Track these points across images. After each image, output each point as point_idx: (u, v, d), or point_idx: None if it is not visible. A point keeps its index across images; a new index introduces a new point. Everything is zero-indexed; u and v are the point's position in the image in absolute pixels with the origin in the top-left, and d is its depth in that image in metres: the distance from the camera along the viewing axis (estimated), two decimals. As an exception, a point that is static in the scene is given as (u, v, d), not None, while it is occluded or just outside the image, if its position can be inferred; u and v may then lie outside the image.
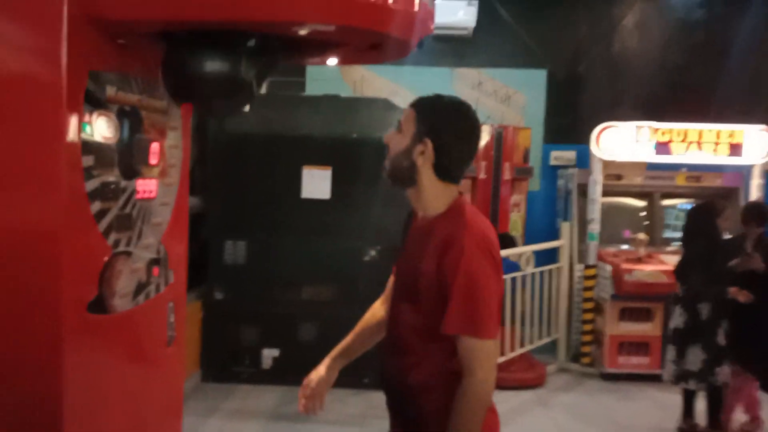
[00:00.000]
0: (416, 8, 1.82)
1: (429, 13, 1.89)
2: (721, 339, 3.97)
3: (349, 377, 4.84)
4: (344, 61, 2.29)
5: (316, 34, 1.93)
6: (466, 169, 1.75)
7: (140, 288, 2.06)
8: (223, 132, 4.97)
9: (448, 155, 1.65)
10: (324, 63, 2.38)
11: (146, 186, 2.12)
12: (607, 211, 5.70)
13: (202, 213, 4.79)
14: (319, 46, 2.13)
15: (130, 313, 1.99)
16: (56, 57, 1.64)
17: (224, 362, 4.86)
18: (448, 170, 1.67)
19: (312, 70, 6.50)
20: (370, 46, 2.01)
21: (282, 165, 4.80)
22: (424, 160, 1.64)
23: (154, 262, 2.17)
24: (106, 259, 1.86)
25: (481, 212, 6.14)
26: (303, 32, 1.90)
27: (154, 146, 2.17)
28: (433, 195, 1.68)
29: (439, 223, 1.64)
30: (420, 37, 1.94)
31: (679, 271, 4.23)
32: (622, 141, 5.41)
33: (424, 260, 1.61)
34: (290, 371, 4.79)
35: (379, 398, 5.21)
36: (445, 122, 1.65)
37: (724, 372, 3.96)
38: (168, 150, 2.32)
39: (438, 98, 1.70)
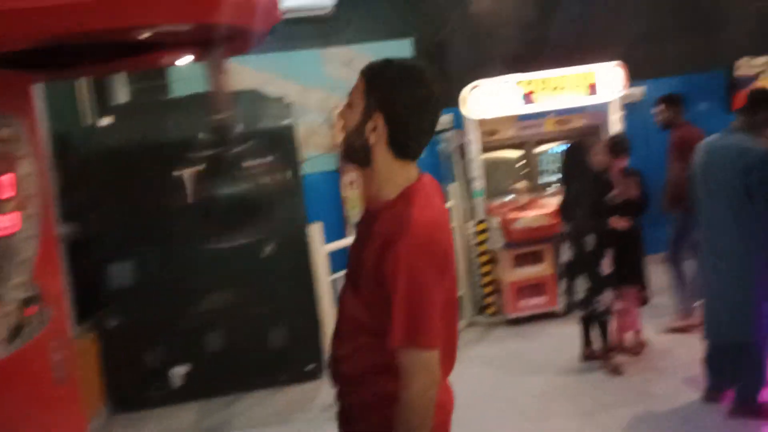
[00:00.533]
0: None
1: (272, 1, 1.87)
2: (603, 268, 4.28)
3: (266, 378, 4.85)
4: (198, 59, 2.23)
5: (161, 36, 1.86)
6: (426, 143, 1.56)
7: (16, 331, 1.93)
8: (90, 149, 4.69)
9: (404, 129, 1.48)
10: (173, 63, 2.30)
11: (3, 222, 1.97)
12: (488, 166, 5.95)
13: (79, 241, 4.50)
14: (165, 47, 2.05)
15: (9, 359, 1.86)
16: None
17: (131, 390, 4.63)
18: (405, 146, 1.51)
19: (174, 72, 6.24)
20: (218, 40, 1.96)
21: (158, 174, 4.56)
22: (377, 137, 1.48)
23: (27, 301, 2.03)
24: (-33, 309, 1.73)
25: None
26: (145, 35, 1.82)
27: (4, 179, 2.02)
28: (386, 177, 1.52)
29: (383, 215, 1.50)
30: (268, 25, 1.92)
31: (563, 210, 4.53)
32: (489, 98, 5.63)
33: (365, 252, 1.51)
34: (203, 384, 4.69)
35: (294, 393, 5.23)
36: (397, 91, 1.47)
37: (604, 298, 4.28)
38: (23, 180, 2.16)
39: (386, 63, 1.52)
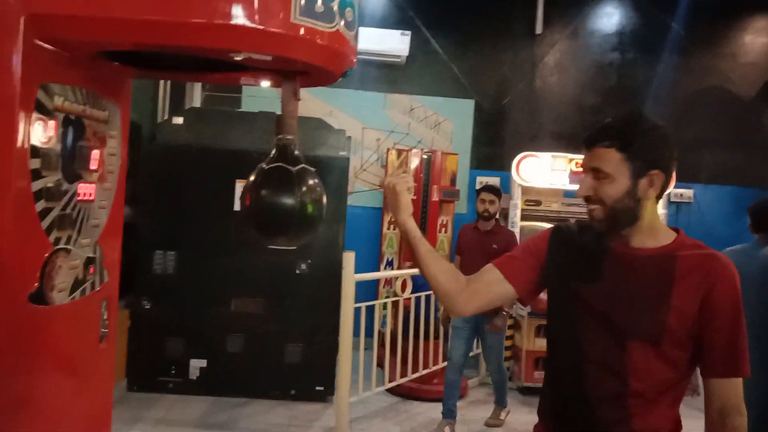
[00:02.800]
0: (343, 46, 2.06)
1: (352, 49, 2.14)
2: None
3: (277, 390, 5.03)
4: (275, 84, 2.50)
5: (251, 60, 2.14)
6: None
7: (77, 284, 2.18)
8: (156, 144, 5.04)
9: (670, 175, 1.58)
10: (257, 84, 2.58)
11: (86, 189, 2.25)
12: (527, 234, 6.09)
13: (132, 223, 4.84)
14: (252, 69, 2.33)
15: (67, 306, 2.11)
16: (11, 71, 1.80)
17: (150, 372, 4.88)
18: (663, 192, 1.60)
19: (248, 87, 6.66)
20: (296, 73, 2.24)
21: (215, 178, 4.90)
22: (655, 190, 1.56)
23: (91, 260, 2.30)
24: (47, 254, 1.99)
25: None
26: (238, 58, 2.10)
27: (95, 153, 2.31)
28: (656, 225, 1.60)
29: (681, 255, 1.53)
30: (343, 68, 2.18)
31: None
32: (539, 169, 5.85)
33: (674, 297, 1.49)
34: (217, 382, 4.92)
35: (301, 409, 5.37)
36: (661, 142, 1.56)
37: None
38: (107, 157, 2.45)
39: (632, 122, 1.57)
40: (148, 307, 4.85)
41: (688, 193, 7.15)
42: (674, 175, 1.67)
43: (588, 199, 1.58)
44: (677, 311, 1.49)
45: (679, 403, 1.59)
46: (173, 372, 4.87)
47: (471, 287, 1.73)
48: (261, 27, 1.86)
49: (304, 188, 2.18)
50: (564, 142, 6.90)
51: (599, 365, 1.56)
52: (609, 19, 7.34)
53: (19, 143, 1.82)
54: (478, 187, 5.21)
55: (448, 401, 4.57)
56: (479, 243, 4.68)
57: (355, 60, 2.18)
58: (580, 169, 5.88)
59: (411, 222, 1.81)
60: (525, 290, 1.74)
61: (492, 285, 1.73)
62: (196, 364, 4.88)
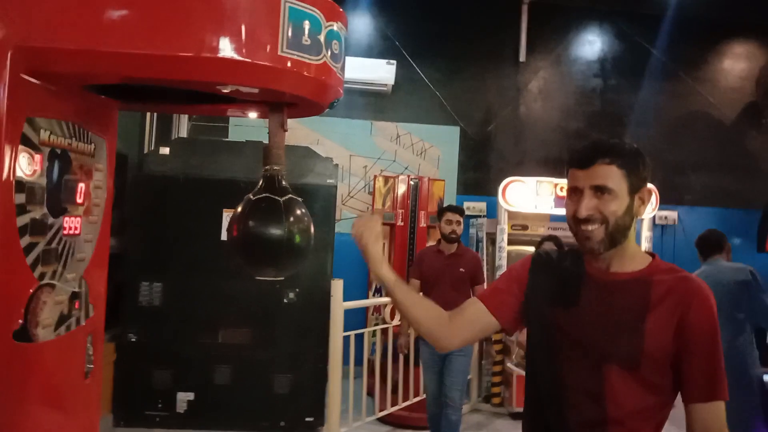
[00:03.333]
0: (330, 77, 2.08)
1: (339, 80, 2.15)
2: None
3: (266, 421, 4.95)
4: (262, 115, 2.51)
5: (238, 93, 2.15)
6: None
7: (62, 319, 2.15)
8: (143, 174, 5.03)
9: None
10: (245, 116, 2.59)
11: (72, 223, 2.23)
12: (514, 258, 6.11)
13: (118, 254, 4.79)
14: (239, 101, 2.34)
15: (52, 343, 2.07)
16: (-2, 104, 1.79)
17: (137, 405, 4.78)
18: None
19: (235, 117, 6.68)
20: (283, 105, 2.26)
21: (202, 208, 4.87)
22: (644, 208, 1.58)
23: (76, 295, 2.27)
24: (31, 290, 1.96)
25: (398, 257, 6.30)
26: (226, 90, 2.11)
27: (81, 186, 2.30)
28: (635, 247, 1.61)
29: (655, 280, 1.54)
30: (330, 99, 2.20)
31: None
32: (525, 194, 5.88)
33: (649, 322, 1.49)
34: (205, 415, 4.83)
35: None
36: (645, 166, 1.58)
37: None
38: (93, 190, 2.44)
39: (622, 143, 1.60)
40: (134, 339, 4.78)
41: (672, 215, 7.23)
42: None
43: (588, 220, 1.54)
44: (652, 336, 1.48)
45: (661, 430, 1.57)
46: (160, 405, 4.78)
47: (455, 323, 1.73)
48: (248, 60, 1.87)
49: (291, 218, 2.17)
50: (549, 166, 6.98)
51: (578, 391, 1.55)
52: (591, 47, 7.48)
53: (3, 177, 1.81)
54: (444, 206, 4.89)
55: None
56: (444, 267, 4.43)
57: (342, 91, 2.20)
58: (564, 194, 5.95)
59: (384, 270, 1.77)
60: (509, 321, 1.72)
61: (476, 319, 1.72)
62: (183, 397, 4.79)
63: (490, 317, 1.70)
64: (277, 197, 2.22)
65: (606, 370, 1.51)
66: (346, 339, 4.48)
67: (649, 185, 1.61)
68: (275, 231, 2.16)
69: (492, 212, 6.73)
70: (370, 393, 5.26)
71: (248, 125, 6.59)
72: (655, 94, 7.44)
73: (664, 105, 7.48)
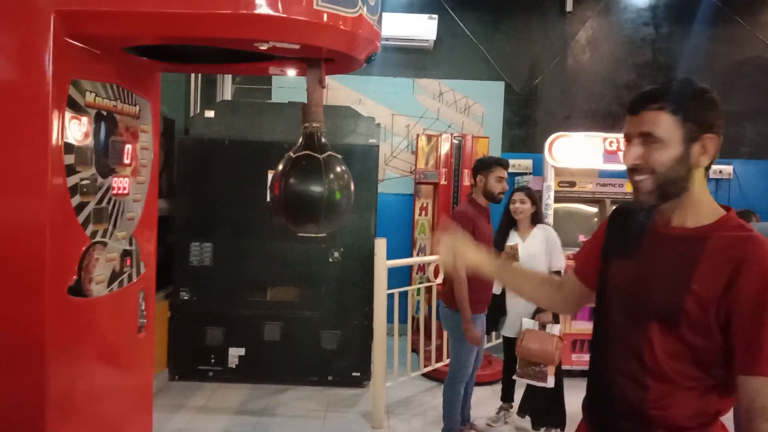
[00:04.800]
0: (367, 30, 2.05)
1: (376, 34, 2.12)
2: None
3: (314, 376, 5.10)
4: (300, 73, 2.51)
5: (276, 49, 2.14)
6: None
7: (115, 276, 2.24)
8: (188, 137, 5.11)
9: (720, 144, 1.47)
10: (283, 73, 2.59)
11: (120, 183, 2.30)
12: (562, 216, 6.01)
13: (168, 216, 4.93)
14: (278, 59, 2.34)
15: (105, 298, 2.17)
16: (43, 68, 1.84)
17: (191, 361, 4.99)
18: (713, 162, 1.48)
19: (278, 79, 6.70)
20: (321, 61, 2.24)
21: (247, 169, 4.95)
22: (708, 158, 1.46)
23: (127, 253, 2.35)
24: (84, 248, 2.04)
25: (442, 217, 6.12)
26: (264, 47, 2.11)
27: (128, 147, 2.36)
28: (704, 200, 1.48)
29: (714, 236, 1.42)
30: (368, 54, 2.17)
31: None
32: (572, 150, 5.73)
33: (695, 280, 1.39)
34: (255, 370, 5.00)
35: (338, 395, 5.39)
36: (715, 107, 1.47)
37: None
38: (139, 151, 2.50)
39: (686, 85, 1.47)
40: (186, 297, 4.95)
41: (727, 169, 6.94)
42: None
43: (635, 169, 1.47)
44: (696, 295, 1.38)
45: (711, 396, 1.44)
46: (213, 361, 4.97)
47: (563, 293, 1.80)
48: (284, 15, 1.86)
49: (331, 175, 2.18)
50: (598, 120, 6.77)
51: (620, 343, 1.52)
52: (642, -7, 7.14)
53: (53, 140, 1.87)
54: (491, 158, 4.11)
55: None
56: (486, 225, 3.99)
57: (379, 45, 2.17)
58: (615, 148, 5.75)
59: (490, 269, 1.80)
60: (595, 285, 1.69)
61: (571, 290, 1.79)
62: (235, 353, 4.97)
63: (582, 287, 1.75)
64: (316, 154, 2.23)
65: (648, 325, 1.45)
66: (391, 297, 4.52)
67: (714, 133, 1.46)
68: (315, 187, 2.17)
69: (538, 170, 6.60)
70: (415, 350, 5.31)
71: (291, 87, 6.60)
72: (709, 41, 7.07)
73: (719, 52, 7.11)
